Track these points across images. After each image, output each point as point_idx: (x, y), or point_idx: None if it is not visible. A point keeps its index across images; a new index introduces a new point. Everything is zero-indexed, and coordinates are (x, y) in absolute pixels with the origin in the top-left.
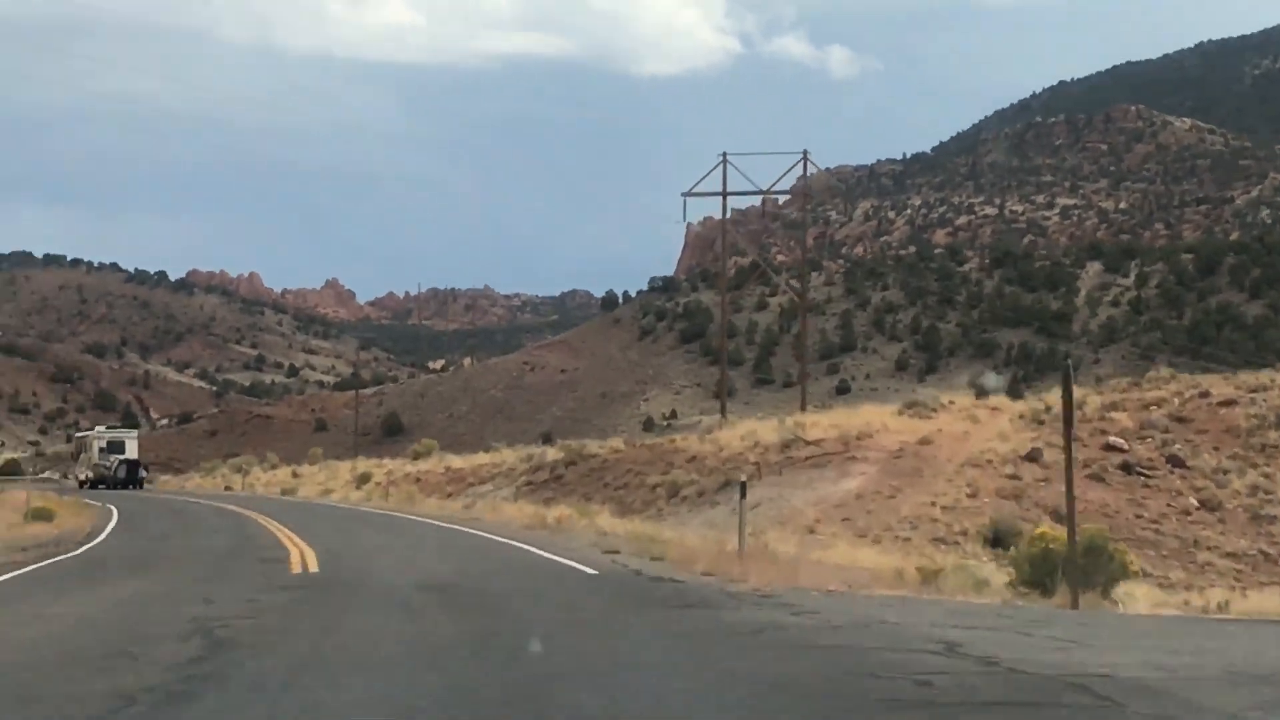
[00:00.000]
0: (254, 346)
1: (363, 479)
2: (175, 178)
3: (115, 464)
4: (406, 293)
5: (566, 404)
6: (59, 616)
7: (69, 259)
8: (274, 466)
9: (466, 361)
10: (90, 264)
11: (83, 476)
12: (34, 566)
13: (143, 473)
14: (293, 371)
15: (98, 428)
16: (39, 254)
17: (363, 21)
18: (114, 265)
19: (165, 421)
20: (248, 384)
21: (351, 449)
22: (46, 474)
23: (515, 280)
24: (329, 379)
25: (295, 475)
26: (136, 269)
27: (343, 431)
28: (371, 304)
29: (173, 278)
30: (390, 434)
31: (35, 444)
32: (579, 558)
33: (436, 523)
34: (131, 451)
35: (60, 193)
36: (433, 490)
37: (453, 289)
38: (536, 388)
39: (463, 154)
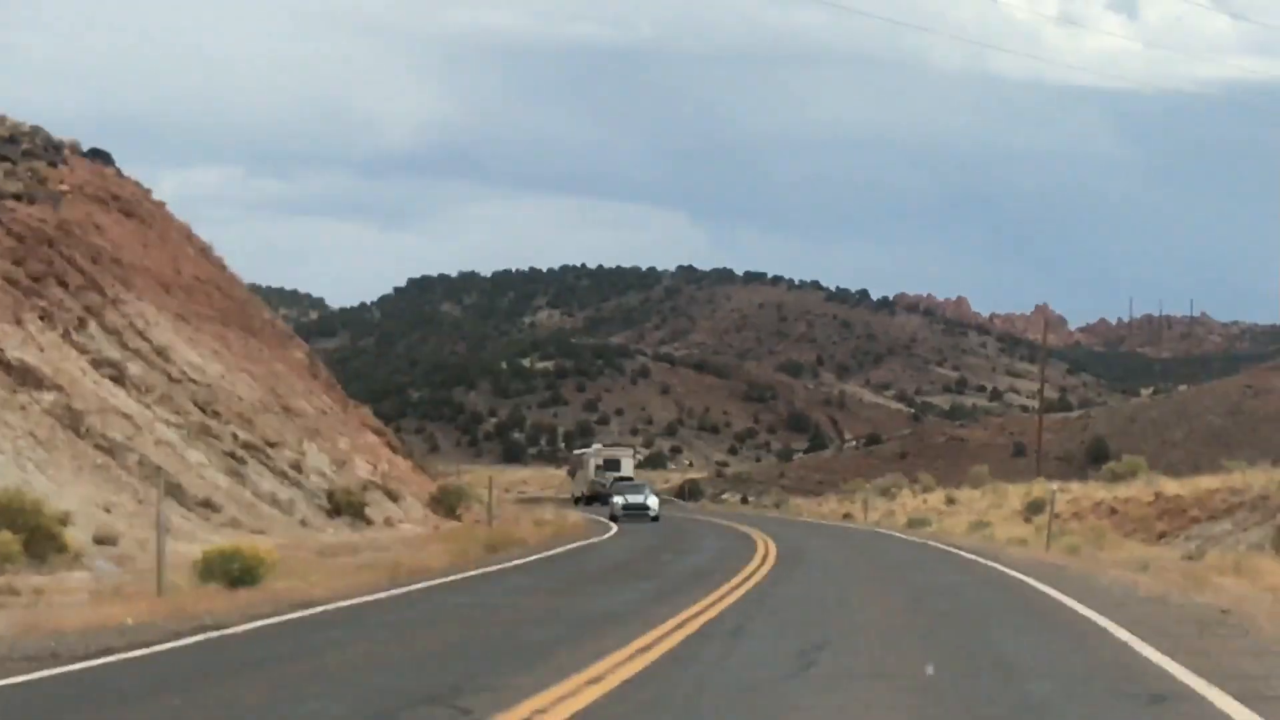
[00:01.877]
0: (955, 369)
1: (1033, 508)
2: (887, 202)
3: (610, 482)
4: (1119, 319)
5: None
6: None
7: (769, 276)
8: (927, 490)
9: (1182, 387)
10: (791, 282)
11: (578, 494)
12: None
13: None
14: (995, 395)
15: (594, 445)
16: (739, 271)
17: (1077, 48)
18: (815, 283)
19: (853, 442)
20: (947, 407)
21: (1042, 474)
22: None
23: (1232, 308)
24: (1033, 404)
25: (950, 501)
26: (838, 287)
27: (1045, 458)
28: (1082, 330)
29: (874, 298)
30: (1095, 460)
31: (723, 464)
32: None
33: (1092, 616)
34: (627, 470)
35: (774, 218)
36: (1134, 527)
37: (1166, 316)
38: (1261, 414)
39: (1175, 179)
